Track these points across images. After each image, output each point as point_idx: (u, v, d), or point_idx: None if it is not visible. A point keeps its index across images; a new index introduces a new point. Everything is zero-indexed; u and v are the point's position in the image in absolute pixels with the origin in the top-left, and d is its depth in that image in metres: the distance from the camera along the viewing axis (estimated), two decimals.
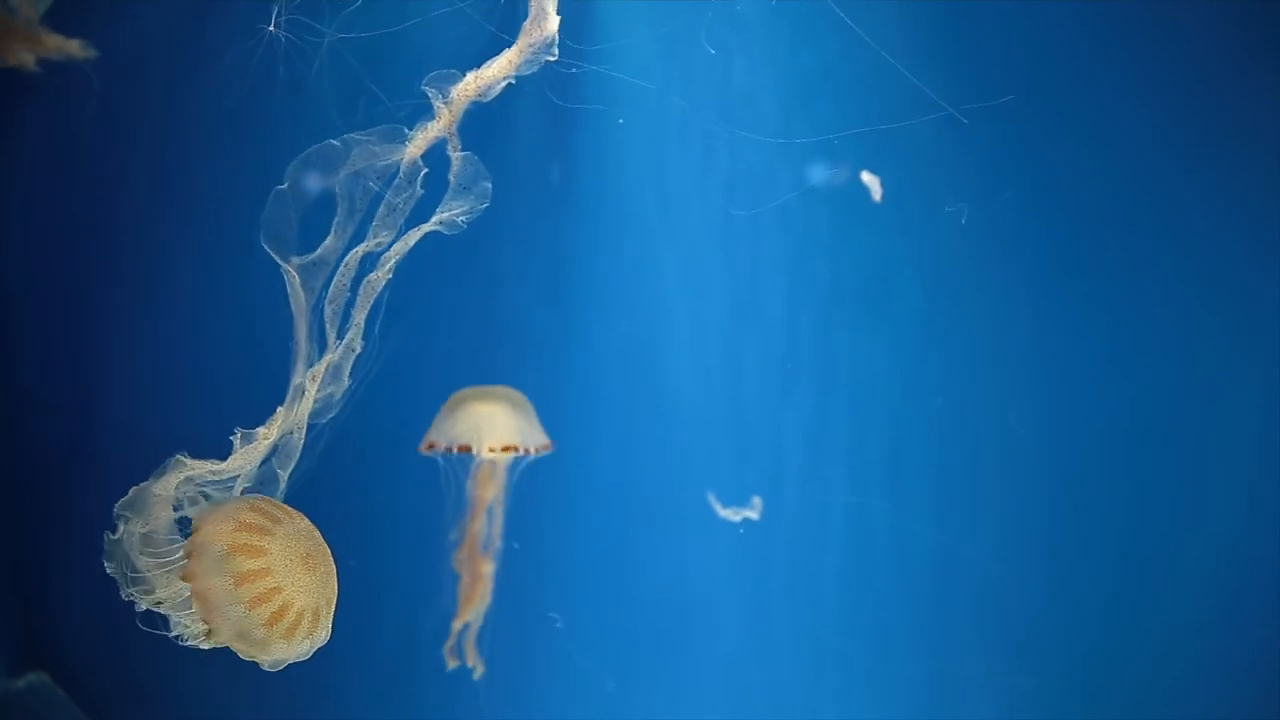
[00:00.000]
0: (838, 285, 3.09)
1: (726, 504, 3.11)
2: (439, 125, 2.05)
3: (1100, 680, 3.03)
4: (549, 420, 3.12)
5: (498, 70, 2.01)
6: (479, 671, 3.00)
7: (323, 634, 1.90)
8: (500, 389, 2.90)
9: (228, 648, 1.89)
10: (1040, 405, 3.01)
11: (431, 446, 2.77)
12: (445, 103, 2.01)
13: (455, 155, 2.05)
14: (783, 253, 3.08)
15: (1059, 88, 2.91)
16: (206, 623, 1.77)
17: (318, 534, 1.91)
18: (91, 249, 2.92)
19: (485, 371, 3.05)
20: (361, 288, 2.06)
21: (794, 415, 3.14)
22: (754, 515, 3.08)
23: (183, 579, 1.78)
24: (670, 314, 3.15)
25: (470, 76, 2.02)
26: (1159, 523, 2.98)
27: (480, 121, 2.99)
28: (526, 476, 3.10)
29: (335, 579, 1.91)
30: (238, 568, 1.77)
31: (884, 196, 2.94)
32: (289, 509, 1.91)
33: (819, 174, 3.02)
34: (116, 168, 2.87)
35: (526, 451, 2.80)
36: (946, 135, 2.82)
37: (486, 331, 3.11)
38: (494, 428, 2.77)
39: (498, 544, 2.97)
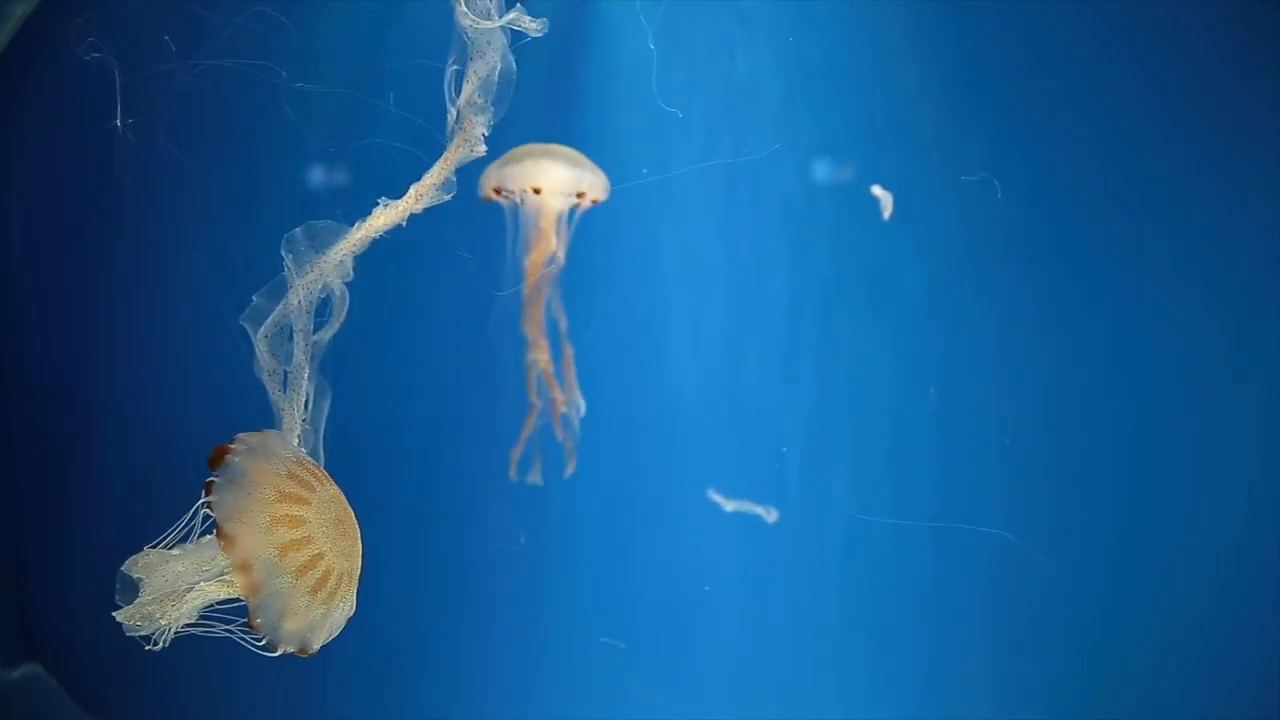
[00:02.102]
0: (840, 277, 3.08)
1: (730, 496, 3.10)
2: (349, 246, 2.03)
3: (1101, 678, 3.02)
4: (547, 416, 3.11)
5: (428, 185, 1.98)
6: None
7: (351, 602, 1.88)
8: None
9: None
10: (1041, 399, 3.01)
11: (498, 191, 2.74)
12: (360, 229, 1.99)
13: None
14: (785, 245, 3.07)
15: (1061, 84, 2.91)
16: (251, 598, 1.72)
17: (344, 499, 1.87)
18: (90, 248, 2.91)
19: (483, 368, 3.04)
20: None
21: (796, 409, 3.13)
22: (764, 515, 3.07)
23: (223, 555, 1.72)
24: (671, 308, 3.15)
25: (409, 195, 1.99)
26: (1161, 519, 2.98)
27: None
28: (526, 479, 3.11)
29: (360, 545, 1.88)
30: (281, 539, 1.74)
31: (885, 189, 2.94)
32: (321, 473, 1.87)
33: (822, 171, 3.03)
34: (113, 166, 2.86)
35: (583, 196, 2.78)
36: (949, 129, 2.82)
37: (485, 326, 3.10)
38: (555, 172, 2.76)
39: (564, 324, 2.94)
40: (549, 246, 2.84)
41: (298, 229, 1.99)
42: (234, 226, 2.85)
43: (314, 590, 1.76)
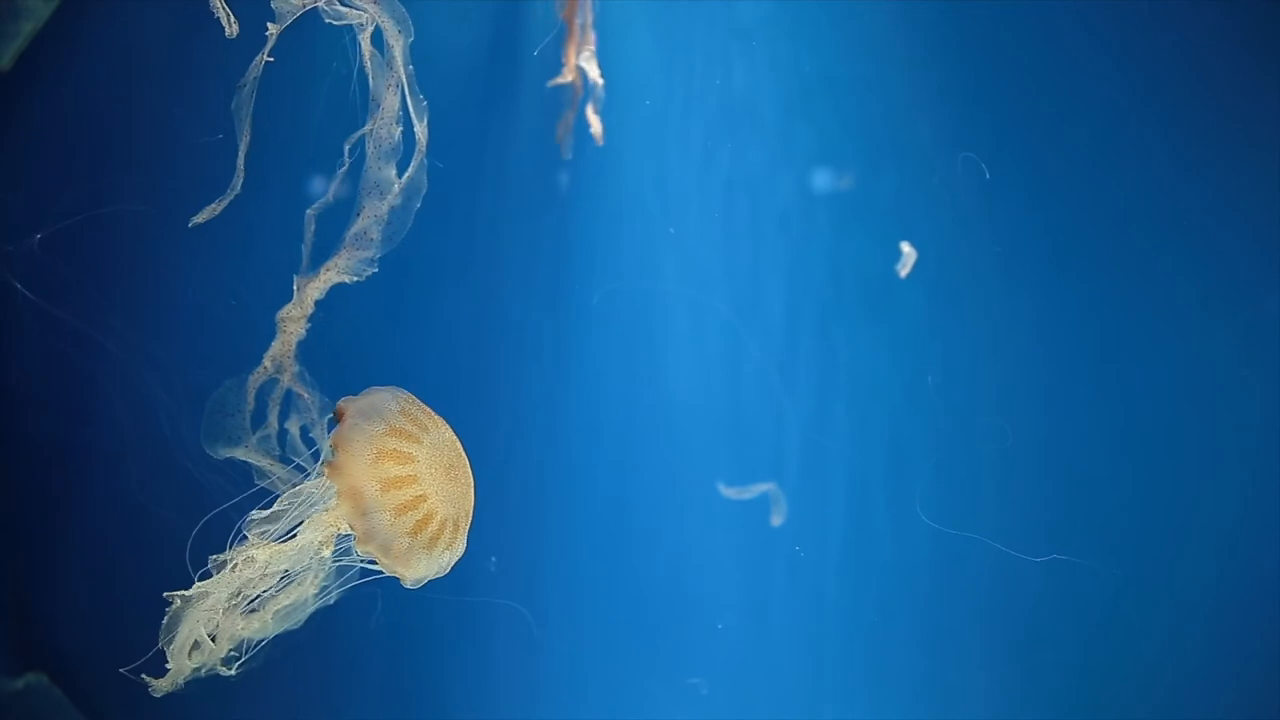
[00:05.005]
0: (838, 287, 3.10)
1: (733, 483, 3.11)
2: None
3: (1098, 681, 3.02)
4: (549, 424, 3.13)
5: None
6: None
7: (460, 548, 1.87)
8: None
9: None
10: (1039, 404, 3.02)
11: None
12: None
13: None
14: (783, 256, 3.10)
15: (1056, 92, 2.93)
16: (353, 528, 1.74)
17: (460, 445, 1.88)
18: (88, 247, 2.93)
19: (486, 374, 3.06)
20: None
21: (794, 417, 3.14)
22: (772, 493, 3.07)
23: (329, 476, 1.73)
24: (671, 318, 3.17)
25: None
26: (1158, 523, 2.98)
27: (481, 124, 3.06)
28: (524, 483, 3.12)
29: (473, 492, 1.88)
30: (385, 473, 1.75)
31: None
32: (435, 416, 1.88)
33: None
34: (112, 165, 2.89)
35: None
36: (947, 136, 2.84)
37: (487, 333, 3.12)
38: None
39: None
40: None
41: (209, 404, 2.02)
42: (233, 232, 2.87)
43: (414, 531, 1.76)
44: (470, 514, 1.89)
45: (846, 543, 3.12)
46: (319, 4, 1.81)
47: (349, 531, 1.77)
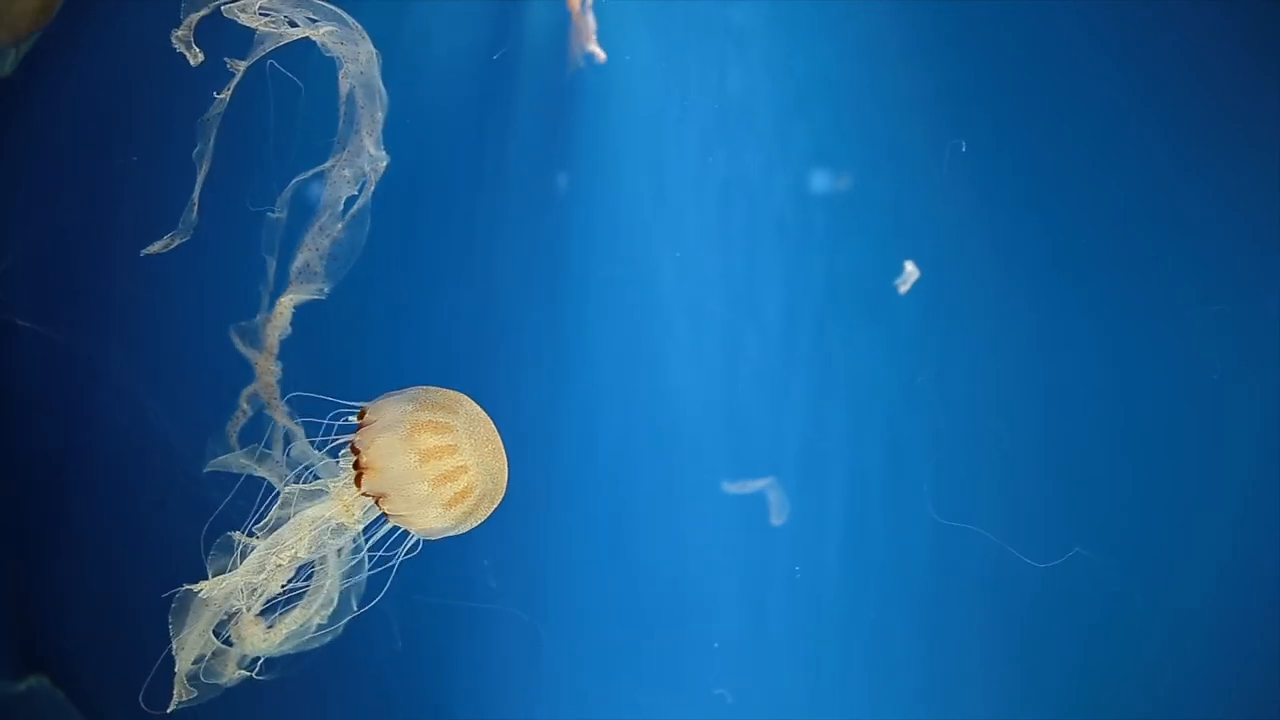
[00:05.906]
0: (835, 288, 3.10)
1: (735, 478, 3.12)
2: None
3: (1099, 679, 3.02)
4: (547, 429, 3.14)
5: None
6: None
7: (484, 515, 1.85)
8: None
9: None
10: (1037, 405, 3.02)
11: None
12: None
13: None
14: (779, 257, 3.10)
15: (1056, 86, 2.93)
16: (386, 502, 1.72)
17: (488, 417, 1.86)
18: (88, 249, 2.94)
19: (483, 375, 3.06)
20: None
21: (792, 420, 3.15)
22: (769, 491, 3.07)
23: (358, 463, 1.71)
24: (668, 321, 3.17)
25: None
26: (1159, 521, 2.97)
27: (479, 125, 3.07)
28: (523, 487, 3.12)
29: (507, 472, 1.86)
30: (422, 444, 1.73)
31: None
32: (460, 395, 1.86)
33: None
34: (113, 166, 2.90)
35: None
36: (944, 137, 2.84)
37: (484, 335, 3.12)
38: None
39: None
40: None
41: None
42: (233, 238, 2.89)
43: (450, 504, 1.74)
44: (503, 491, 1.86)
45: (846, 543, 3.12)
46: (309, 36, 1.81)
47: (369, 507, 1.75)
